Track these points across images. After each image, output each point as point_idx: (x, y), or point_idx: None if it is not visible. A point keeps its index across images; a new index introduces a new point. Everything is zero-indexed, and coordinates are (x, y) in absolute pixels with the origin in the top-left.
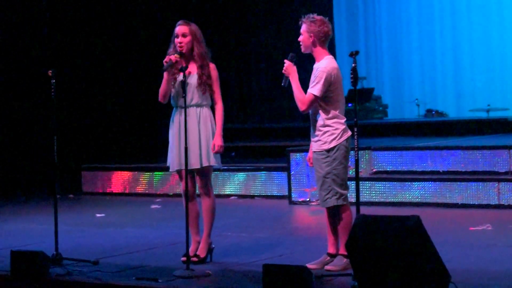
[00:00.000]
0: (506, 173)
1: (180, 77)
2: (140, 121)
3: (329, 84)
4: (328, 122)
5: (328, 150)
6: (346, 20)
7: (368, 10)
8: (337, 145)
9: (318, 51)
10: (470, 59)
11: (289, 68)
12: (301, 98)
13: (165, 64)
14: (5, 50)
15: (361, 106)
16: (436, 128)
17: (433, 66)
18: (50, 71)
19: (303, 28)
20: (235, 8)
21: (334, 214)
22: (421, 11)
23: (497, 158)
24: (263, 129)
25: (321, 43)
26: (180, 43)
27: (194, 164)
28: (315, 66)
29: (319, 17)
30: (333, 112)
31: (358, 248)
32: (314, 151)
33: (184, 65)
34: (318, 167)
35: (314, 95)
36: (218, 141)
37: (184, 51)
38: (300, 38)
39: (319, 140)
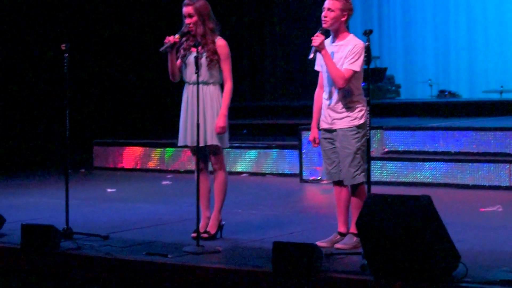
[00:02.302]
0: None
1: (193, 53)
2: (152, 96)
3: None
4: (358, 98)
5: (359, 126)
6: None
7: None
8: (365, 121)
9: (344, 29)
10: (484, 40)
11: (324, 43)
12: (342, 75)
13: (164, 44)
14: (19, 24)
15: (374, 86)
16: (448, 109)
17: (447, 46)
18: (64, 45)
19: (336, 5)
20: None
21: (353, 191)
22: None
23: (509, 139)
24: (275, 107)
25: (347, 21)
26: (188, 24)
27: (200, 142)
28: (345, 43)
29: None
30: (360, 89)
31: (368, 227)
32: (341, 128)
33: (192, 42)
34: (346, 144)
35: (355, 71)
36: (220, 122)
37: (194, 32)
38: (330, 14)
39: (348, 116)
